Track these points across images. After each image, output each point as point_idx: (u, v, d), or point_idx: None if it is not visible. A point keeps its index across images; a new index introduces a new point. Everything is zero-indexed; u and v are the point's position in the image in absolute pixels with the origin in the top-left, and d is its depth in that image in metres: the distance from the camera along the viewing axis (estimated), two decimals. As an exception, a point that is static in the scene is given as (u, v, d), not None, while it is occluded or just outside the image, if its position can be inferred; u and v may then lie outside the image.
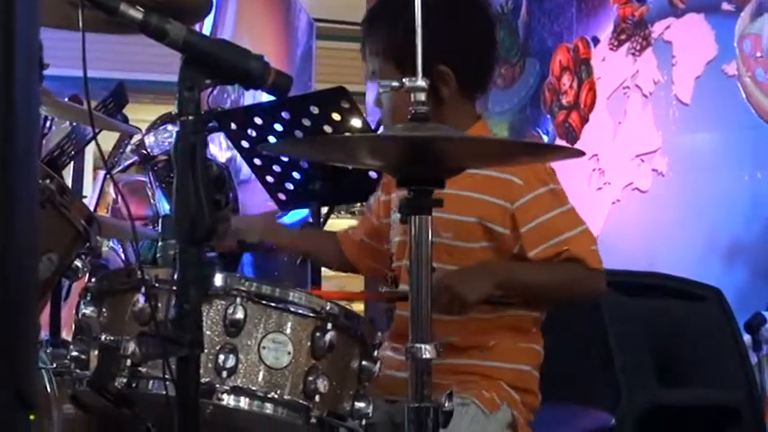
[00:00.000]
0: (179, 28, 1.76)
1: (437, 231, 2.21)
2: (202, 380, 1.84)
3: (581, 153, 2.00)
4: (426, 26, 2.13)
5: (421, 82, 1.88)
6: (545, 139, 5.43)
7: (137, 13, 1.76)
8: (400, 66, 2.45)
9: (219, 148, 6.55)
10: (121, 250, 5.07)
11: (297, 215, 5.58)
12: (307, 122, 3.11)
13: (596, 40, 5.26)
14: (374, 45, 2.54)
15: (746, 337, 3.70)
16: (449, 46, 2.48)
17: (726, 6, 4.52)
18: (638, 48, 4.99)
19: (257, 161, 3.35)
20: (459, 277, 2.36)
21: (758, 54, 4.35)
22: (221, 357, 1.99)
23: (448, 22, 2.50)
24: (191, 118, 1.76)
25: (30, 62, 1.12)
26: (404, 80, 1.89)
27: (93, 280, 2.20)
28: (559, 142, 5.33)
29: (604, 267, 2.45)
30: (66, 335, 3.88)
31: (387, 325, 2.74)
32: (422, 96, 1.89)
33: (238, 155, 3.55)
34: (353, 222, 3.03)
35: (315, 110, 3.10)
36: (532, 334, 2.53)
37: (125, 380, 2.00)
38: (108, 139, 4.92)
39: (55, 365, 2.63)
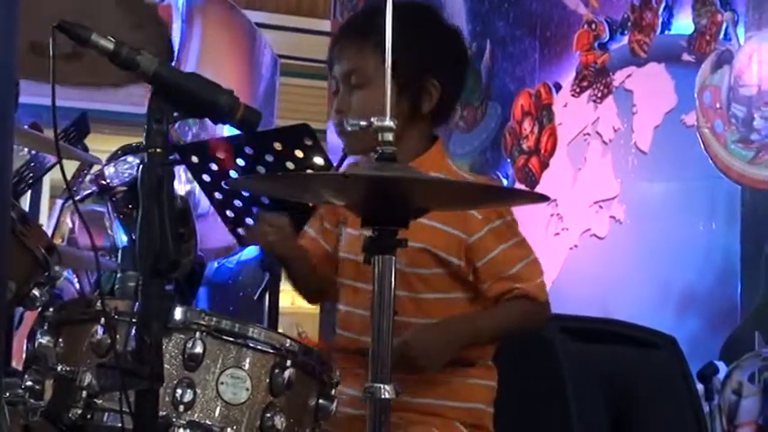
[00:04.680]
0: (149, 60, 1.76)
1: None
2: (159, 413, 1.83)
3: (545, 198, 2.01)
4: (424, 37, 2.09)
5: (389, 122, 1.88)
6: (504, 182, 5.45)
7: (108, 44, 1.76)
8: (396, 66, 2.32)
9: (179, 181, 6.53)
10: (76, 280, 5.04)
11: (255, 251, 5.56)
12: (269, 158, 3.10)
13: (558, 86, 5.30)
14: (370, 40, 2.39)
15: (699, 387, 3.72)
16: (443, 61, 2.47)
17: (686, 57, 4.57)
18: (599, 95, 5.03)
19: (218, 195, 3.33)
20: (420, 345, 2.32)
21: (717, 105, 4.40)
22: (179, 391, 1.98)
23: (443, 37, 2.50)
24: (158, 150, 1.76)
25: (5, 96, 1.11)
26: (372, 119, 1.89)
27: (50, 309, 2.18)
28: (519, 186, 5.35)
29: (559, 312, 2.47)
30: (17, 364, 3.84)
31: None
32: (389, 136, 1.88)
33: (198, 188, 3.54)
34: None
35: (278, 146, 3.09)
36: (485, 368, 2.51)
37: (80, 411, 1.98)
38: (66, 169, 4.89)
39: (7, 395, 2.60)
